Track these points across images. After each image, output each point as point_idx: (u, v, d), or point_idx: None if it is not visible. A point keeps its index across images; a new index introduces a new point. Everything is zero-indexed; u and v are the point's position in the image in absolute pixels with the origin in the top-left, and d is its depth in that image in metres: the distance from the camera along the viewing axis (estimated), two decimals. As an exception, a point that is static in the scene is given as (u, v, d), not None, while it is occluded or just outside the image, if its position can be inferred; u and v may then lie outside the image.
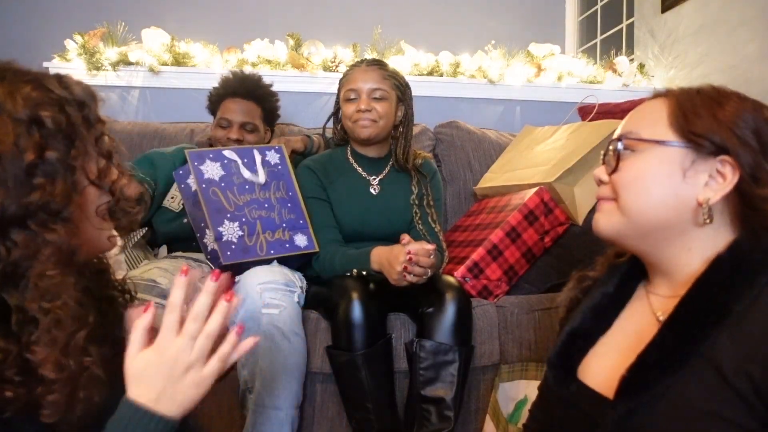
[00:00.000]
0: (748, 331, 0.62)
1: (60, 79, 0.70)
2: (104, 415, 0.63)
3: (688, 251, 0.72)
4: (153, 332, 0.66)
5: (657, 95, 0.77)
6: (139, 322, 0.65)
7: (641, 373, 0.67)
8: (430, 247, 1.37)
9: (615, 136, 0.77)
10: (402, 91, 1.68)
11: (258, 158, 1.63)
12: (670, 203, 0.70)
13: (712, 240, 0.71)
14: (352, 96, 1.64)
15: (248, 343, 0.70)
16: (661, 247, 0.73)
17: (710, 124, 0.70)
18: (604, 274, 0.84)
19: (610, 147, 0.76)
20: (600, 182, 0.78)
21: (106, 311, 0.78)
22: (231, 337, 0.67)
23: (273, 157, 1.67)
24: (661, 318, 0.72)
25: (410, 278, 1.37)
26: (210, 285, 0.67)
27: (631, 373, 0.68)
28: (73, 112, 0.67)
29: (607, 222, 0.76)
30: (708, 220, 0.68)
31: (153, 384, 0.62)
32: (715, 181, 0.69)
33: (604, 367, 0.74)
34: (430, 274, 1.40)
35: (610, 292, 0.82)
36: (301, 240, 1.59)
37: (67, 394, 0.62)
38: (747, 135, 0.69)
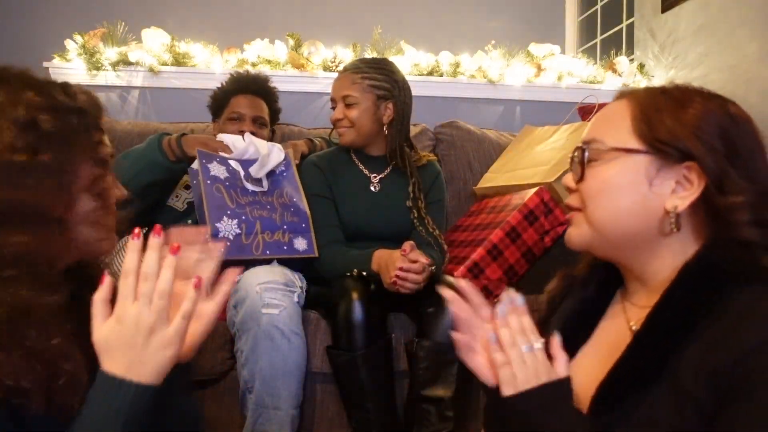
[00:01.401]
0: (714, 342, 0.60)
1: (65, 87, 0.71)
2: None
3: (659, 259, 0.70)
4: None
5: (621, 96, 0.74)
6: (96, 295, 0.64)
7: (612, 390, 0.66)
8: (424, 261, 1.40)
9: (580, 142, 0.74)
10: (385, 89, 1.65)
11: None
12: (638, 212, 0.68)
13: (682, 248, 0.69)
14: (332, 105, 1.69)
15: (231, 274, 0.71)
16: (632, 256, 0.72)
17: (674, 130, 0.67)
18: (587, 274, 0.82)
19: (575, 154, 0.73)
20: (569, 190, 0.75)
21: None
22: (190, 293, 0.64)
23: (279, 165, 1.68)
24: (635, 329, 0.70)
25: (401, 289, 1.41)
26: (153, 241, 0.64)
27: (602, 390, 0.66)
28: (71, 119, 0.68)
29: (578, 234, 0.73)
30: (675, 229, 0.67)
31: (121, 353, 0.62)
32: (682, 187, 0.67)
33: (583, 379, 0.71)
34: (421, 286, 1.41)
35: (591, 297, 0.80)
36: (300, 244, 1.59)
37: (45, 396, 0.62)
38: (712, 138, 0.66)
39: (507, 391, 0.65)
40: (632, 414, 0.64)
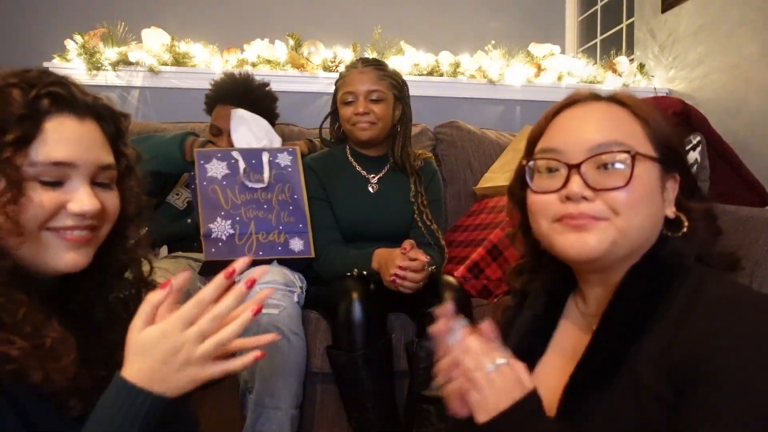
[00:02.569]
0: (666, 335, 0.62)
1: (3, 92, 0.67)
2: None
3: (628, 262, 0.70)
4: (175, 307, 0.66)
5: (608, 100, 0.73)
6: (151, 296, 0.65)
7: (576, 392, 0.66)
8: (424, 259, 1.40)
9: (598, 145, 0.68)
10: (399, 89, 1.68)
11: (266, 159, 1.62)
12: (657, 220, 0.69)
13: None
14: (350, 99, 1.63)
15: (250, 356, 0.69)
16: (622, 264, 0.69)
17: (674, 140, 0.70)
18: (527, 298, 0.82)
19: (607, 159, 0.67)
20: (582, 198, 0.67)
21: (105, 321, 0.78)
22: (246, 358, 0.66)
23: (284, 159, 1.65)
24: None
25: (400, 288, 1.41)
26: (240, 289, 0.66)
27: (567, 393, 0.67)
28: None
29: (598, 242, 0.66)
30: (671, 233, 0.70)
31: (150, 365, 0.62)
32: (669, 194, 0.70)
33: (548, 389, 0.69)
34: (421, 286, 1.41)
35: (540, 313, 0.79)
36: (296, 244, 1.58)
37: (36, 366, 0.63)
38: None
39: (481, 417, 0.63)
40: (596, 412, 0.64)
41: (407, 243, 1.43)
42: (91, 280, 0.76)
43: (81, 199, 0.69)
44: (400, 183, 1.70)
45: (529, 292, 0.82)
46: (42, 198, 0.68)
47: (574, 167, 0.68)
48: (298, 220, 1.60)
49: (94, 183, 0.72)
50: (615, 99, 0.73)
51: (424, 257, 1.40)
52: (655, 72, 2.70)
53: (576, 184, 0.67)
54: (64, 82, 0.72)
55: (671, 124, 0.72)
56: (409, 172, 1.69)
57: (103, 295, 0.79)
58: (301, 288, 1.52)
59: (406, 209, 1.68)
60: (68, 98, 0.71)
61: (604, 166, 0.67)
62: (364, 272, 1.51)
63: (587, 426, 0.64)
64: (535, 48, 2.73)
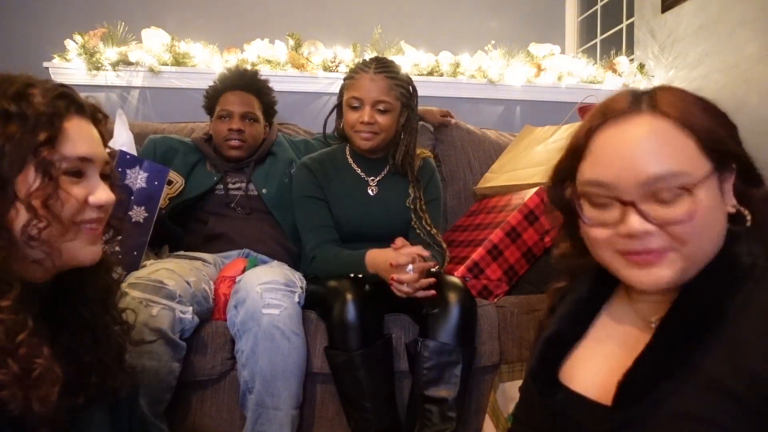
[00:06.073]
0: (741, 334, 0.61)
1: (22, 92, 0.70)
2: (80, 417, 0.65)
3: None
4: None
5: (651, 111, 0.67)
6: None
7: (639, 380, 0.65)
8: (411, 250, 1.40)
9: (653, 179, 0.64)
10: (408, 97, 1.64)
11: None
12: (721, 230, 0.67)
13: None
14: (356, 104, 1.60)
15: None
16: None
17: (723, 131, 0.67)
18: (575, 280, 0.82)
19: (666, 196, 0.64)
20: (645, 234, 0.64)
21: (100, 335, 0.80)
22: None
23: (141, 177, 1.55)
24: (654, 323, 0.70)
25: (398, 294, 1.41)
26: None
27: (628, 379, 0.66)
28: (16, 127, 0.68)
29: (671, 275, 0.65)
30: (746, 223, 0.67)
31: None
32: (727, 191, 0.67)
33: (591, 372, 0.71)
34: (420, 286, 1.40)
35: (584, 297, 0.79)
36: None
37: (18, 394, 0.63)
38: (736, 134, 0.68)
39: None
40: (661, 406, 0.63)
41: (398, 240, 1.44)
42: (76, 273, 0.79)
43: (100, 192, 0.75)
44: (399, 185, 1.70)
45: (578, 274, 0.82)
46: (73, 191, 0.73)
47: (629, 204, 0.65)
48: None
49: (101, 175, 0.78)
50: (658, 110, 0.66)
51: (411, 249, 1.41)
52: (655, 72, 2.70)
53: (636, 222, 0.64)
54: (65, 86, 0.76)
55: (715, 116, 0.67)
56: (409, 178, 1.69)
57: (85, 288, 0.82)
58: (301, 288, 1.52)
59: (405, 211, 1.68)
60: (76, 100, 0.76)
61: (662, 198, 0.64)
62: (360, 276, 1.51)
63: (650, 417, 0.64)
64: (535, 48, 2.73)
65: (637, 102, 0.68)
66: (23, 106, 0.69)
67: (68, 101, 0.74)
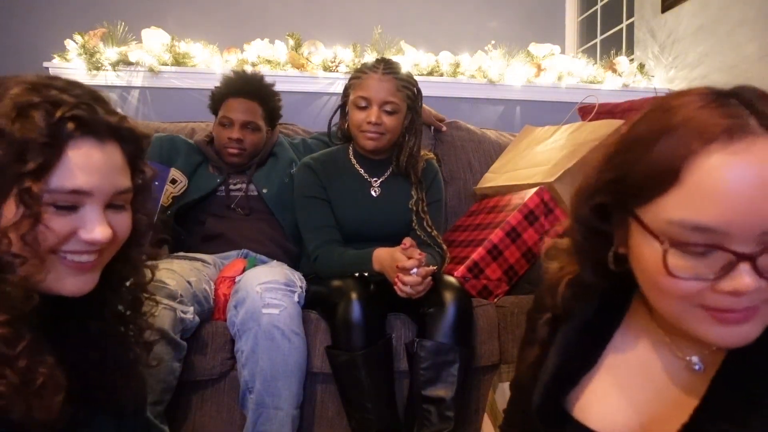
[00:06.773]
0: None
1: (23, 110, 0.64)
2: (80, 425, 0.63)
3: None
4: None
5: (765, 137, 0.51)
6: None
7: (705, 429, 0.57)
8: (419, 256, 1.39)
9: None
10: (413, 99, 1.65)
11: None
12: None
13: None
14: (363, 104, 1.60)
15: None
16: None
17: None
18: (576, 304, 0.71)
19: None
20: (747, 292, 0.52)
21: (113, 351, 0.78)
22: None
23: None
24: (696, 362, 0.62)
25: (400, 293, 1.41)
26: None
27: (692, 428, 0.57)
28: (2, 152, 0.62)
29: (757, 332, 0.56)
30: None
31: None
32: None
33: (611, 409, 0.63)
34: (424, 287, 1.40)
35: (591, 321, 0.69)
36: None
37: (20, 403, 0.62)
38: None
39: None
40: None
41: (407, 240, 1.44)
42: (88, 294, 0.74)
43: (93, 228, 0.68)
44: (402, 186, 1.70)
45: (575, 306, 0.71)
46: (55, 223, 0.66)
47: (744, 258, 0.51)
48: None
49: (108, 206, 0.71)
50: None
51: (418, 254, 1.41)
52: (655, 72, 2.70)
53: (749, 279, 0.51)
54: (89, 101, 0.68)
55: None
56: (412, 180, 1.69)
57: (97, 309, 0.78)
58: (301, 288, 1.52)
59: (407, 213, 1.68)
60: (92, 122, 0.68)
61: None
62: (366, 274, 1.51)
63: None
64: (535, 48, 2.73)
65: (763, 118, 0.51)
66: (16, 127, 0.62)
67: (80, 122, 0.66)
